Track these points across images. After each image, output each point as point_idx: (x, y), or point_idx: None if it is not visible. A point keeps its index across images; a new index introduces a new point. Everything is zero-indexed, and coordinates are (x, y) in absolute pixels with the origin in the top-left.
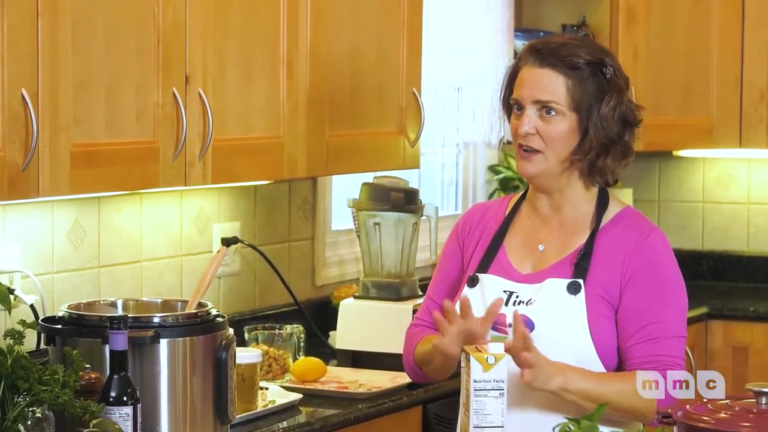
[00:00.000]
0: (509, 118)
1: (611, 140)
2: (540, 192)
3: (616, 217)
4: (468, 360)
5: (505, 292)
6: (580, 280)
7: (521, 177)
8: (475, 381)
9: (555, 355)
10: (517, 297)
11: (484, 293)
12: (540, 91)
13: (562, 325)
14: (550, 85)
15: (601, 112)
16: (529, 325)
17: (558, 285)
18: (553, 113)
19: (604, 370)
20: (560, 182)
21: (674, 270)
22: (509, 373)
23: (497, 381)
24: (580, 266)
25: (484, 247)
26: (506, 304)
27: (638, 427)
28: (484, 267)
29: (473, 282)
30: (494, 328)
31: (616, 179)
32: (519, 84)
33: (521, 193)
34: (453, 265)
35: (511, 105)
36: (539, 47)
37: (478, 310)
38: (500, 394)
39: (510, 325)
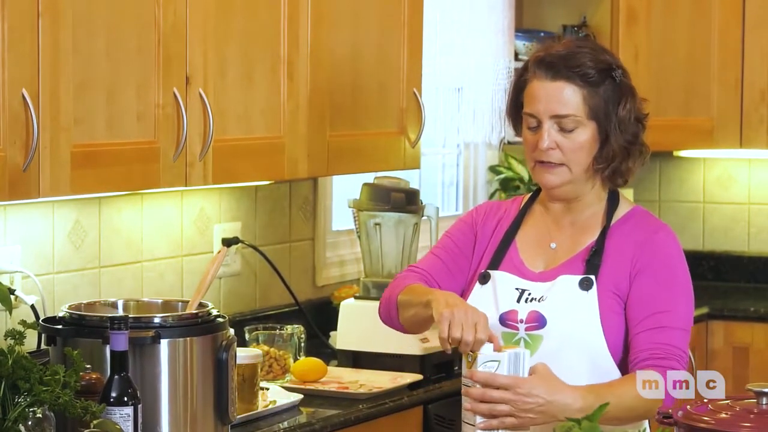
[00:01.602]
0: (515, 125)
1: (630, 142)
2: (558, 200)
3: (626, 215)
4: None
5: (517, 289)
6: (592, 277)
7: (522, 177)
8: (462, 377)
9: (567, 351)
10: (530, 294)
11: (496, 290)
12: (557, 105)
13: (574, 322)
14: (567, 97)
15: (619, 117)
16: (541, 321)
17: (570, 281)
18: (572, 127)
19: (615, 366)
20: (583, 190)
21: (682, 265)
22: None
23: (476, 382)
24: (591, 263)
25: (495, 245)
26: (518, 302)
27: (642, 425)
28: (495, 264)
29: (485, 279)
30: (505, 325)
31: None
32: (532, 98)
33: (532, 193)
34: (466, 235)
35: (522, 117)
36: (548, 59)
37: (490, 307)
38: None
39: (521, 321)
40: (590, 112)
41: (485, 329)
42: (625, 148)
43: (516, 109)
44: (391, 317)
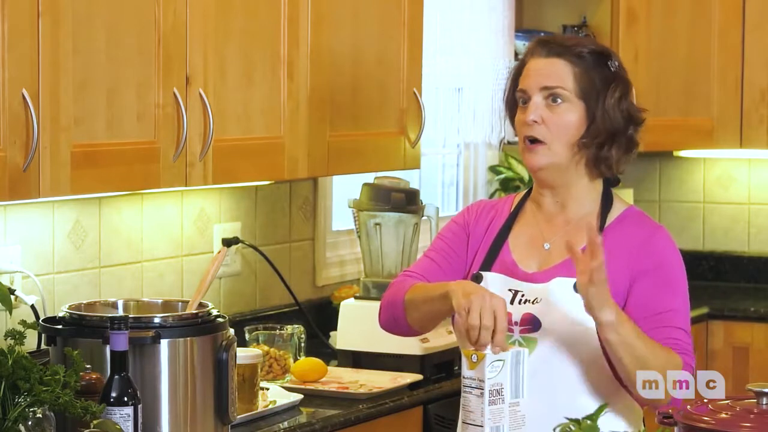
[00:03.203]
0: (512, 117)
1: (616, 131)
2: (545, 187)
3: (621, 216)
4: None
5: (510, 290)
6: None
7: (522, 177)
8: (463, 377)
9: (561, 354)
10: (523, 296)
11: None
12: (547, 78)
13: (569, 324)
14: (558, 72)
15: (606, 102)
16: (536, 324)
17: (565, 284)
18: (559, 101)
19: (609, 369)
20: (566, 176)
21: (680, 267)
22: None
23: (479, 380)
24: None
25: (487, 245)
26: (511, 303)
27: (639, 426)
28: (487, 265)
29: (477, 280)
30: None
31: (618, 179)
32: (525, 76)
33: (525, 192)
34: (459, 235)
35: (516, 99)
36: (545, 39)
37: None
38: (481, 393)
39: (516, 323)
40: (580, 92)
41: (504, 317)
42: (610, 134)
43: (514, 97)
44: (396, 319)
